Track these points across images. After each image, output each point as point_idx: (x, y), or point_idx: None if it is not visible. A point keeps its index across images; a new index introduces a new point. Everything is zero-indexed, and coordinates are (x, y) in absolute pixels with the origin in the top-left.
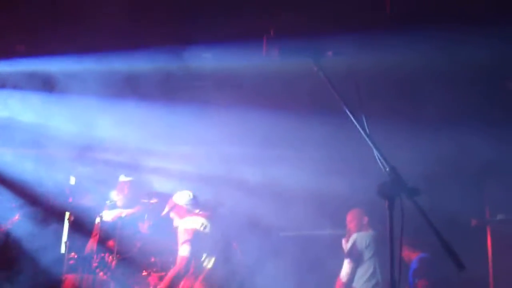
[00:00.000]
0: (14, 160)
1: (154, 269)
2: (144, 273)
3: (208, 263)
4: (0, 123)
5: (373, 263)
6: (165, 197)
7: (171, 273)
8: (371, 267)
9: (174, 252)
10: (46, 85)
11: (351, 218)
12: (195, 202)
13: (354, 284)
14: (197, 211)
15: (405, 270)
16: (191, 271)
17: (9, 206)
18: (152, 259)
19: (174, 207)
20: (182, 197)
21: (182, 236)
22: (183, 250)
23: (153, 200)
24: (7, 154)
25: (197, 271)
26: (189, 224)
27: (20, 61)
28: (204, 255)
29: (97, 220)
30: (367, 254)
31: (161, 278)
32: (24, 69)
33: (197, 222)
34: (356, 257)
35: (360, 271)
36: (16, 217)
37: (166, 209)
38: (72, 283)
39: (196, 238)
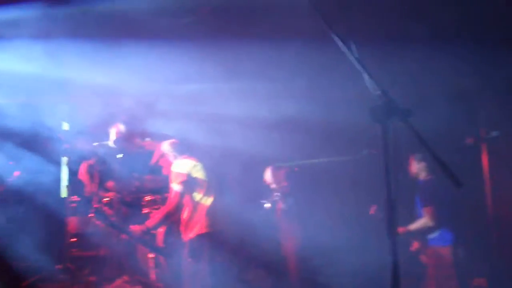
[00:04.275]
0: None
1: (155, 207)
2: (146, 211)
3: (206, 201)
4: None
5: None
6: (157, 136)
7: (164, 209)
8: None
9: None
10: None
11: None
12: (182, 148)
13: None
14: (185, 155)
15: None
16: (190, 209)
17: (7, 164)
18: (151, 197)
19: (163, 155)
20: (169, 145)
21: (174, 179)
22: (176, 188)
23: (147, 140)
24: None
25: (195, 209)
26: (179, 167)
27: None
28: (200, 195)
29: (91, 162)
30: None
31: None
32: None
33: (187, 164)
34: None
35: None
36: (17, 173)
37: (155, 158)
38: (77, 226)
39: (188, 179)
